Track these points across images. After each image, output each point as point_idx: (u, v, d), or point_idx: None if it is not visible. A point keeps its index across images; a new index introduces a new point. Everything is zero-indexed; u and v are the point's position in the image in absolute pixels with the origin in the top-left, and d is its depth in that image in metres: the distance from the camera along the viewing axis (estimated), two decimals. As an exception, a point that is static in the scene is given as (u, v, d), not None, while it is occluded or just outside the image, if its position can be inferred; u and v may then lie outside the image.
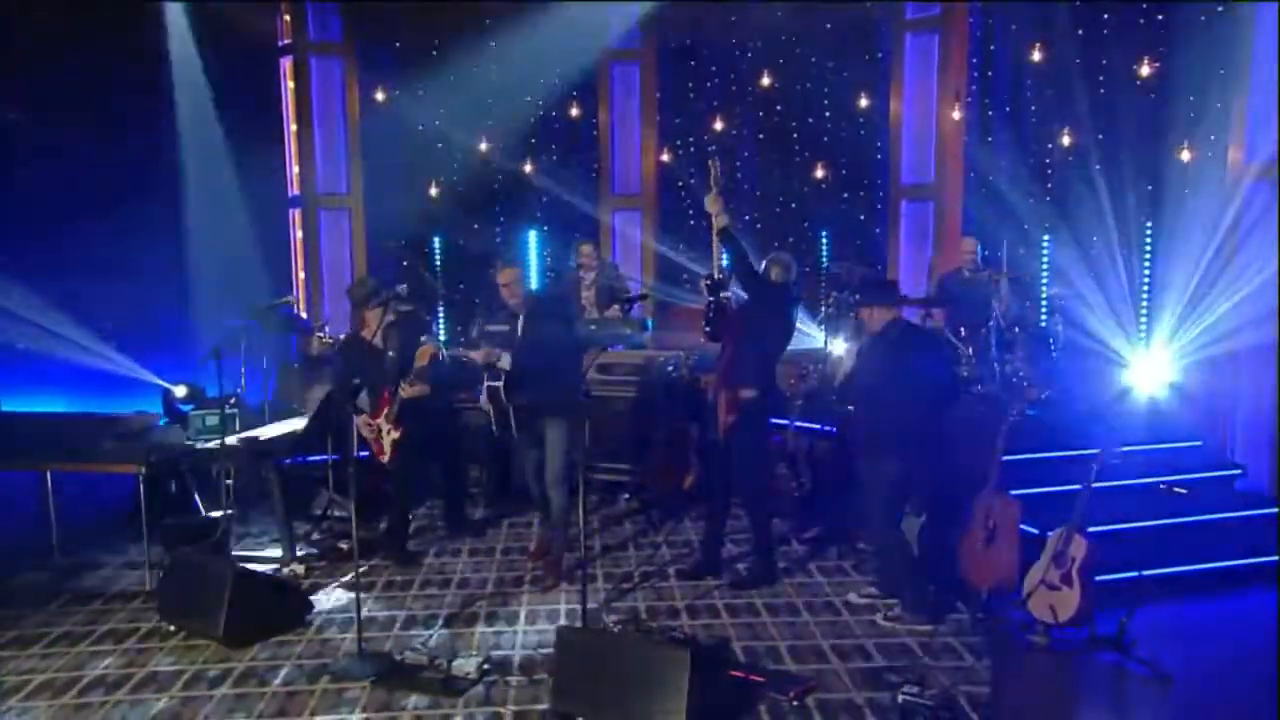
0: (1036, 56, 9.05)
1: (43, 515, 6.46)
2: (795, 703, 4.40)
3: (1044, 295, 8.59)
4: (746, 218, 10.98)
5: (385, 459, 6.33)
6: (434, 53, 10.68)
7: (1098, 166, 8.90)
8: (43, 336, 9.86)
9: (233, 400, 7.79)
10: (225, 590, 5.04)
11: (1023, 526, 5.69)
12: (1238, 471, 7.13)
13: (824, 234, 10.24)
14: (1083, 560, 5.09)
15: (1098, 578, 5.44)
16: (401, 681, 4.64)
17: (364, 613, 5.54)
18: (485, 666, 4.73)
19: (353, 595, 5.75)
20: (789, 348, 6.09)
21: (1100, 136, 8.91)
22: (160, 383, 8.88)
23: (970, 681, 4.66)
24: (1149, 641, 5.02)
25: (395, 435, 6.24)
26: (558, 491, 5.95)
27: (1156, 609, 5.66)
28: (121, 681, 4.75)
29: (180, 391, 8.53)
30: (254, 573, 5.40)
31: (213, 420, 7.49)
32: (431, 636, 5.23)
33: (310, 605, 5.51)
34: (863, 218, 10.45)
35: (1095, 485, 6.62)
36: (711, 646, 4.99)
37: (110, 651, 5.11)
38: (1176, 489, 7.09)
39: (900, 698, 4.36)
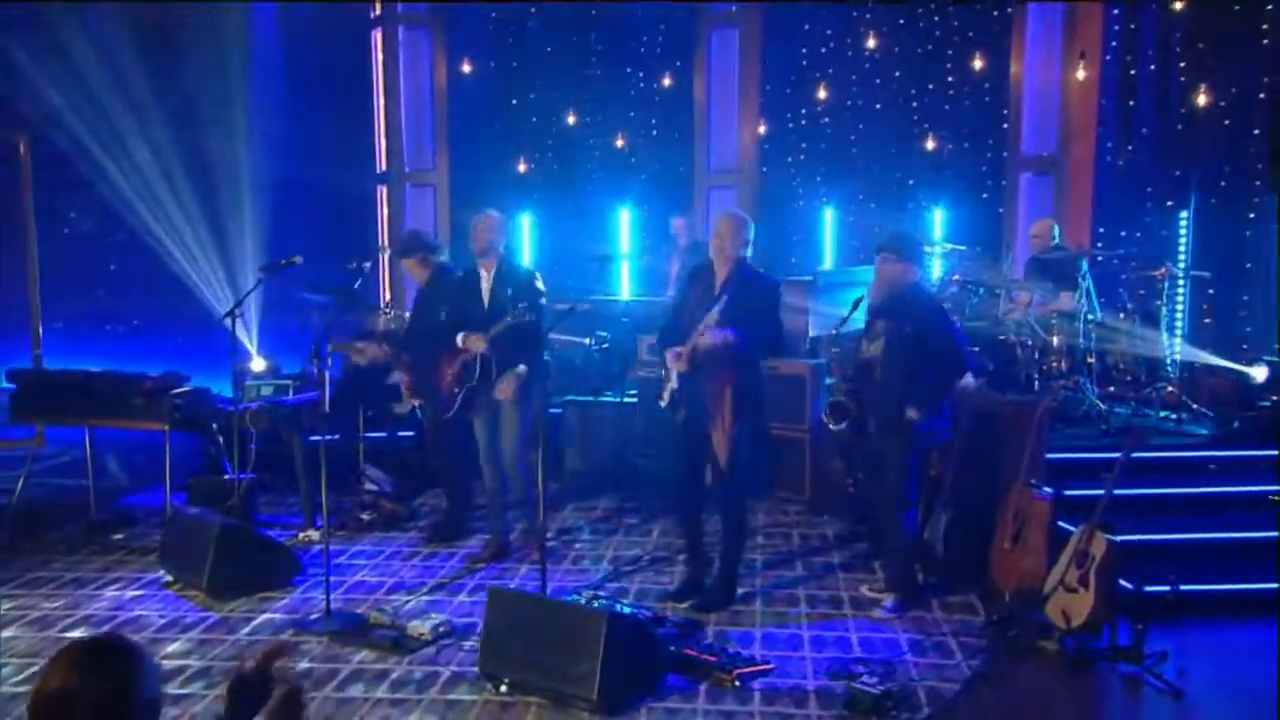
0: (1179, 5, 8.67)
1: (87, 470, 7.30)
2: (736, 683, 4.52)
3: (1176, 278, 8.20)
4: (860, 196, 10.91)
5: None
6: (529, 23, 11.27)
7: (1256, 131, 8.46)
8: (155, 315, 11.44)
9: (299, 376, 8.60)
10: (211, 544, 5.62)
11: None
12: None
13: (937, 211, 10.10)
14: (1101, 560, 4.94)
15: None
16: (356, 638, 5.06)
17: (358, 576, 6.07)
18: (441, 629, 5.08)
19: (359, 560, 6.34)
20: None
21: (1262, 96, 8.45)
22: (252, 349, 9.90)
23: (944, 679, 4.62)
24: (1230, 659, 4.98)
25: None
26: (517, 463, 6.16)
27: (1251, 630, 5.43)
28: (106, 621, 5.39)
29: (258, 366, 9.44)
30: (242, 530, 5.95)
31: (267, 390, 8.41)
32: (408, 602, 5.64)
33: (300, 566, 6.02)
34: (985, 195, 10.22)
35: (1191, 491, 6.47)
36: (682, 625, 5.16)
37: (110, 596, 5.78)
38: (1294, 502, 6.69)
39: (849, 685, 4.40)
